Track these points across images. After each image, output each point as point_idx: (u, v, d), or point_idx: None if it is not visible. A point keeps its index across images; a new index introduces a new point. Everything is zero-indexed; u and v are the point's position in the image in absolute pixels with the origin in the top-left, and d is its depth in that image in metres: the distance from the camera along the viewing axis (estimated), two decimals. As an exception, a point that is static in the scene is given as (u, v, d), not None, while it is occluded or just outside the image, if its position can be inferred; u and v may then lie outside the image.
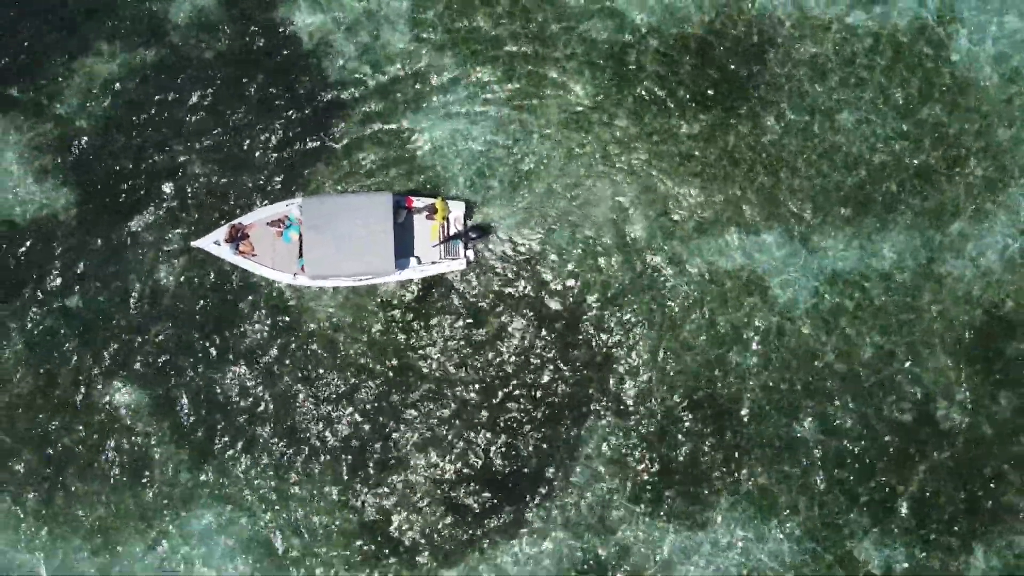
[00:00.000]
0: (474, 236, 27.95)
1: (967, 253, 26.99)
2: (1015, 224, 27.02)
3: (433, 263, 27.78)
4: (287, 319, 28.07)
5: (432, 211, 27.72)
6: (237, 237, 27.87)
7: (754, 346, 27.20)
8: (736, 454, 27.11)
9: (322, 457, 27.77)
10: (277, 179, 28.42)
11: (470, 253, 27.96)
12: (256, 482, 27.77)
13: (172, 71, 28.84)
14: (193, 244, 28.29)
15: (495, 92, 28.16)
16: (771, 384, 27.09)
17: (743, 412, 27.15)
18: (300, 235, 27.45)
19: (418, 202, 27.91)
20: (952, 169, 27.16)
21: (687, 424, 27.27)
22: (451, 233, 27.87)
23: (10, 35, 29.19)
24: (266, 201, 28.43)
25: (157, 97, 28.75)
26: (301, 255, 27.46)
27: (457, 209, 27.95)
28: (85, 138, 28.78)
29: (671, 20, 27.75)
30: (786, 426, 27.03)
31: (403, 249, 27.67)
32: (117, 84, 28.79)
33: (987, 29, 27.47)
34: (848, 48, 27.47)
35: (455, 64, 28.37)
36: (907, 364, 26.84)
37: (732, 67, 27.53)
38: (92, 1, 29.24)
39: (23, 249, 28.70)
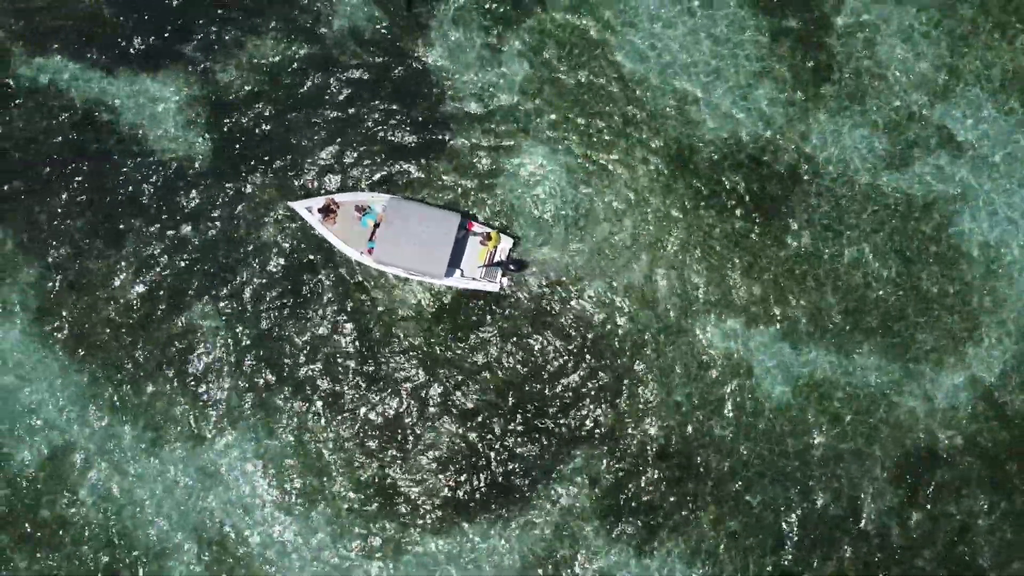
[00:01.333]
0: (512, 268, 32.06)
1: (922, 390, 31.31)
2: (967, 379, 31.28)
3: (473, 280, 31.97)
4: (353, 294, 33.07)
5: (486, 238, 32.01)
6: (328, 209, 32.92)
7: (728, 419, 31.77)
8: (690, 504, 31.56)
9: (351, 416, 32.72)
10: (376, 172, 33.12)
11: (504, 281, 32.16)
12: (296, 421, 32.80)
13: (318, 66, 33.57)
14: (288, 203, 32.96)
15: (576, 154, 32.83)
16: (735, 454, 31.70)
17: (706, 471, 31.73)
18: (376, 223, 31.96)
19: (477, 227, 32.21)
20: (929, 319, 31.66)
21: (656, 468, 31.85)
22: (495, 260, 32.19)
23: (202, 5, 34.32)
24: (360, 188, 33.12)
25: (300, 85, 33.53)
26: (371, 239, 31.97)
27: (505, 242, 32.21)
28: (233, 104, 33.58)
29: (732, 137, 32.45)
30: (738, 492, 31.50)
31: (453, 261, 31.95)
32: (271, 66, 33.55)
33: (984, 215, 31.90)
34: (870, 197, 31.98)
35: (550, 122, 32.92)
36: (848, 466, 31.51)
37: (772, 186, 32.17)
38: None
39: (156, 180, 33.50)
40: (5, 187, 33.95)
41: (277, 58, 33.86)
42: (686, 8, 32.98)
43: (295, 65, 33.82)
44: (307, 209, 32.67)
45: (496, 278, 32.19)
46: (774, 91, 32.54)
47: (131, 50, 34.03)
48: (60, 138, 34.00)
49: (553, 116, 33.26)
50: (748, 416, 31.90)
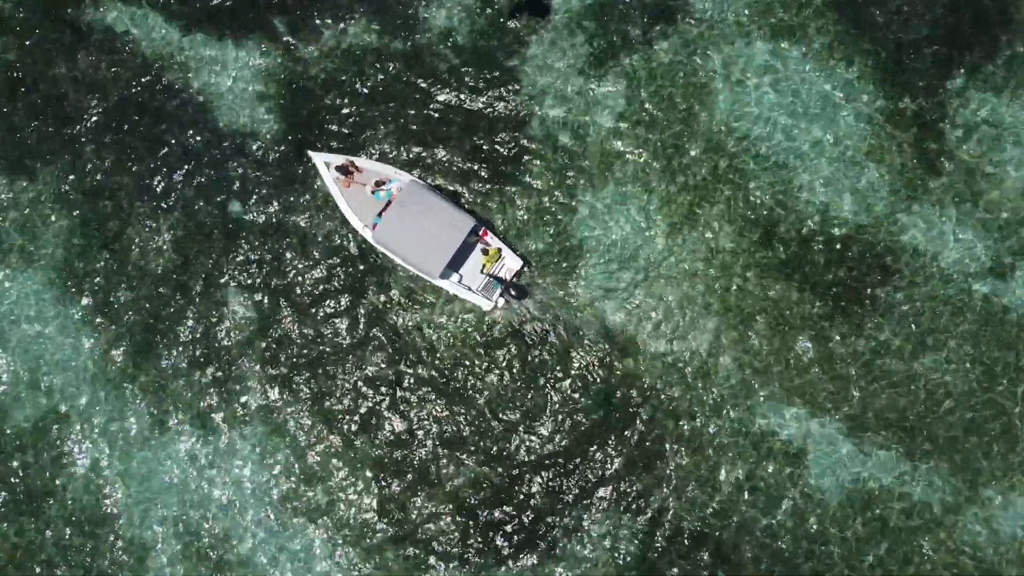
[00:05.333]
0: (513, 293, 30.42)
1: (987, 516, 29.21)
2: (1037, 514, 29.59)
3: (468, 289, 30.45)
4: (398, 308, 31.32)
5: (486, 251, 30.50)
6: (346, 170, 30.76)
7: (773, 510, 29.65)
8: None
9: (368, 434, 30.81)
10: (431, 167, 31.63)
11: (500, 301, 30.51)
12: (311, 428, 30.91)
13: (403, 61, 32.11)
14: (308, 152, 31.23)
15: (655, 203, 31.19)
16: (773, 548, 29.57)
17: (739, 563, 29.49)
18: (388, 202, 30.35)
19: (490, 238, 30.70)
20: (1005, 440, 29.59)
21: (686, 548, 29.73)
22: (497, 275, 30.56)
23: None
24: (391, 164, 31.45)
25: (382, 77, 32.06)
26: (379, 216, 30.33)
27: (512, 262, 30.59)
28: (309, 85, 32.15)
29: (827, 213, 30.67)
30: (769, 589, 29.73)
31: (454, 264, 30.35)
32: (356, 54, 32.12)
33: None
34: (961, 302, 30.04)
35: (633, 163, 31.39)
36: (892, 586, 29.56)
37: (859, 273, 30.38)
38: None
39: (213, 149, 32.02)
40: (56, 131, 32.31)
41: (364, 45, 32.39)
42: (800, 69, 31.29)
43: (381, 56, 32.34)
44: (325, 164, 31.01)
45: (493, 296, 30.53)
46: (879, 174, 30.73)
47: (215, 13, 32.57)
48: (123, 89, 32.54)
49: (638, 158, 31.51)
50: (795, 511, 29.69)
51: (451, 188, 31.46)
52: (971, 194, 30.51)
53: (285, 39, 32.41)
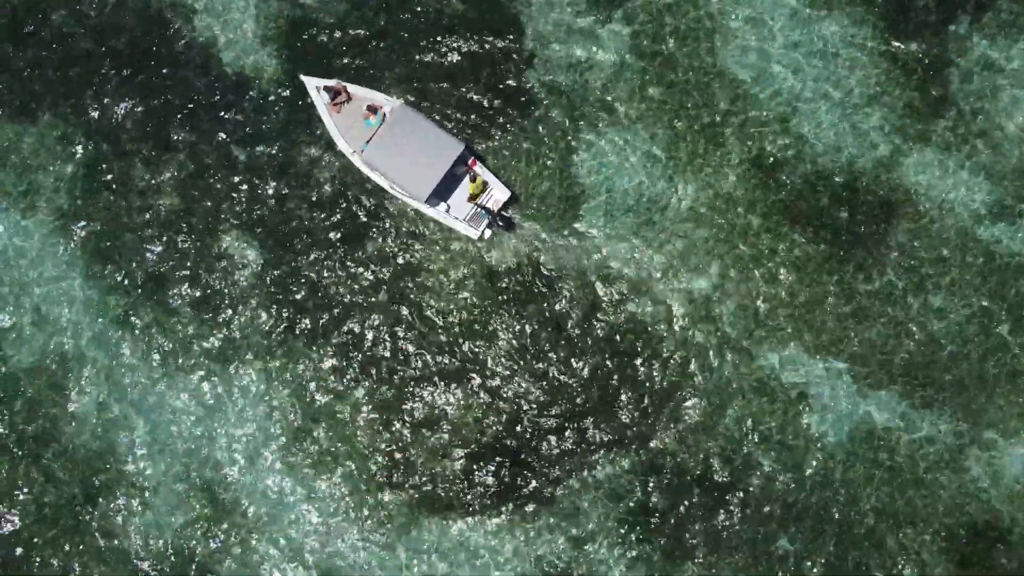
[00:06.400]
0: (500, 224, 30.44)
1: (990, 460, 29.07)
2: (1042, 454, 29.23)
3: (456, 219, 30.33)
4: (401, 250, 31.15)
5: (472, 179, 30.22)
6: (338, 94, 30.80)
7: (777, 453, 29.56)
8: (716, 540, 29.16)
9: (370, 379, 30.64)
10: (427, 97, 31.62)
11: (487, 232, 30.45)
12: (314, 374, 30.71)
13: (407, 4, 32.24)
14: (300, 76, 31.27)
15: (660, 146, 31.02)
16: (777, 492, 29.46)
17: (742, 506, 29.38)
18: (378, 128, 30.35)
19: (479, 168, 30.54)
20: (1009, 385, 29.43)
21: (688, 493, 29.50)
22: (485, 205, 30.36)
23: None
24: (384, 91, 31.36)
25: (384, 19, 32.08)
26: (368, 142, 30.24)
27: (500, 193, 30.44)
28: (314, 27, 32.05)
29: (831, 156, 30.52)
30: (774, 535, 29.23)
31: (441, 192, 30.19)
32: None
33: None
34: (965, 245, 29.93)
35: (638, 107, 31.23)
36: (899, 527, 29.09)
37: (863, 216, 30.23)
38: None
39: (218, 93, 31.95)
40: (61, 74, 32.31)
41: (369, -7, 32.39)
42: (804, 15, 31.22)
43: (383, 7, 32.24)
44: (316, 88, 31.01)
45: (480, 226, 30.43)
46: (883, 116, 30.64)
47: (219, -44, 32.57)
48: (129, 34, 32.54)
49: (643, 102, 31.44)
50: (798, 453, 29.52)
51: (450, 125, 31.39)
52: (974, 137, 30.38)
53: (289, -18, 32.51)
